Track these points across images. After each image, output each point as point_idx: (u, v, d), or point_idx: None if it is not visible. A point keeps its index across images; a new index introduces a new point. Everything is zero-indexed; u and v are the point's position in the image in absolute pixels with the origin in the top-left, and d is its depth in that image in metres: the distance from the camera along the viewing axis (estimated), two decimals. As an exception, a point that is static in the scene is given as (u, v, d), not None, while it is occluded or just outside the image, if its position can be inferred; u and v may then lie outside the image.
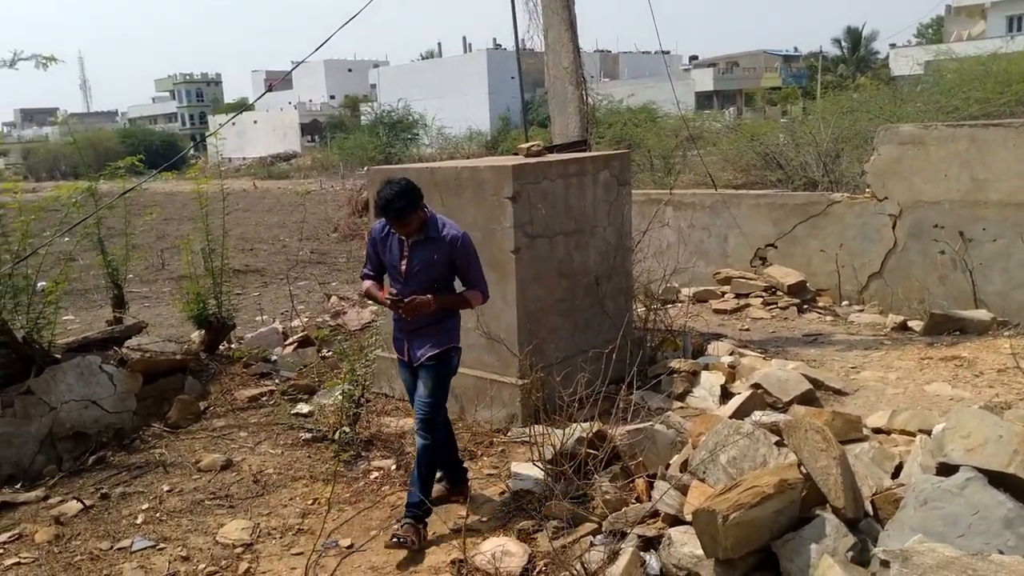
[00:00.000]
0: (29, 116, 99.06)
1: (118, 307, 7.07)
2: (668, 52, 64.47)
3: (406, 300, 3.73)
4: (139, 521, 4.18)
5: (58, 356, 5.50)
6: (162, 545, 3.92)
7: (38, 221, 5.65)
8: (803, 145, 14.48)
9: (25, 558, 3.86)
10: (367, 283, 4.06)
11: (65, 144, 47.56)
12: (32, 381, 5.18)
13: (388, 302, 3.84)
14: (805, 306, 8.10)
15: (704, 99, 49.96)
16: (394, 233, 3.85)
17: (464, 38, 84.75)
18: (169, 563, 3.74)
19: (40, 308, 5.47)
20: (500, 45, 55.40)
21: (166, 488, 4.55)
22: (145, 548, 3.89)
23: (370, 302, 6.29)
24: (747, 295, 8.33)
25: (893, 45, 44.61)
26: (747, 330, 7.41)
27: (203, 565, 3.72)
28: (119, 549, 3.87)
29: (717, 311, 8.12)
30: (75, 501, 4.40)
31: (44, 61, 5.17)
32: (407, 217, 3.71)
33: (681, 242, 8.61)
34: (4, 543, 4.01)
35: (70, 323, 8.49)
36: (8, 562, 3.84)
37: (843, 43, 55.78)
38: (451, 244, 3.81)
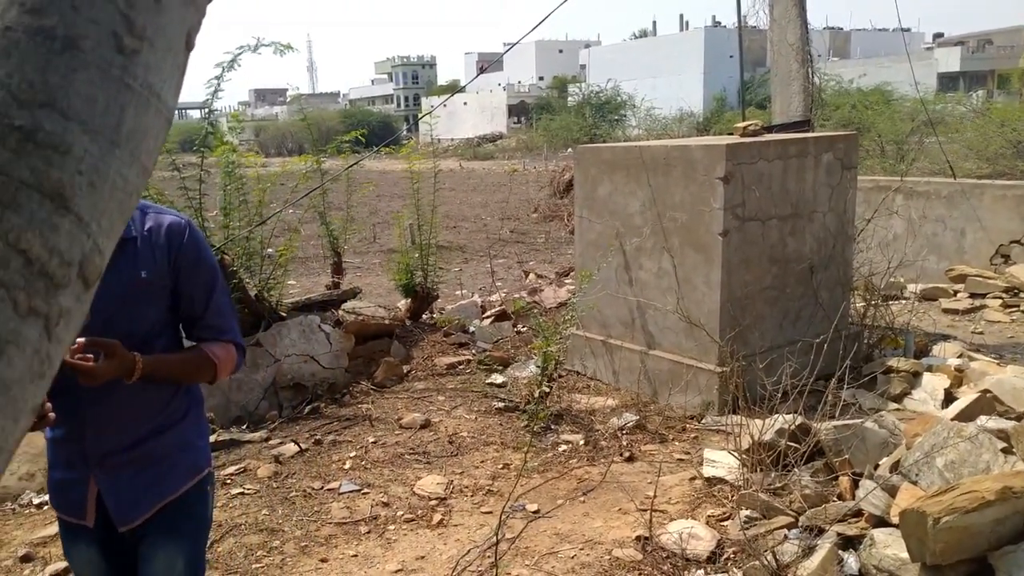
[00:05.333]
0: (262, 96, 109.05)
1: (337, 273, 7.63)
2: (908, 29, 59.16)
3: (77, 360, 1.64)
4: (347, 467, 4.50)
5: (284, 314, 6.00)
6: (366, 490, 4.19)
7: (273, 191, 6.21)
8: (1065, 132, 12.71)
9: (248, 489, 4.28)
10: None
11: (293, 123, 51.12)
12: (261, 335, 5.71)
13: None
14: (1054, 312, 7.12)
15: (948, 81, 45.27)
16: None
17: (681, 16, 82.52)
18: (371, 507, 3.99)
19: (271, 271, 6.02)
20: (719, 23, 53.57)
21: (371, 440, 4.85)
22: (351, 491, 4.18)
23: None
24: (983, 295, 7.46)
25: None
26: (980, 333, 6.64)
27: (401, 512, 3.93)
28: (328, 490, 4.19)
29: (947, 311, 7.34)
30: (292, 444, 4.80)
31: (282, 48, 5.60)
32: None
33: (910, 234, 7.88)
34: (232, 474, 4.47)
35: (291, 287, 9.31)
36: (234, 491, 4.28)
37: None
38: (168, 242, 1.87)
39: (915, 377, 4.99)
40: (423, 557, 3.53)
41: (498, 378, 5.85)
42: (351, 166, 6.69)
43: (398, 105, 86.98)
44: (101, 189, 0.51)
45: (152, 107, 0.54)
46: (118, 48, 0.51)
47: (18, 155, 0.48)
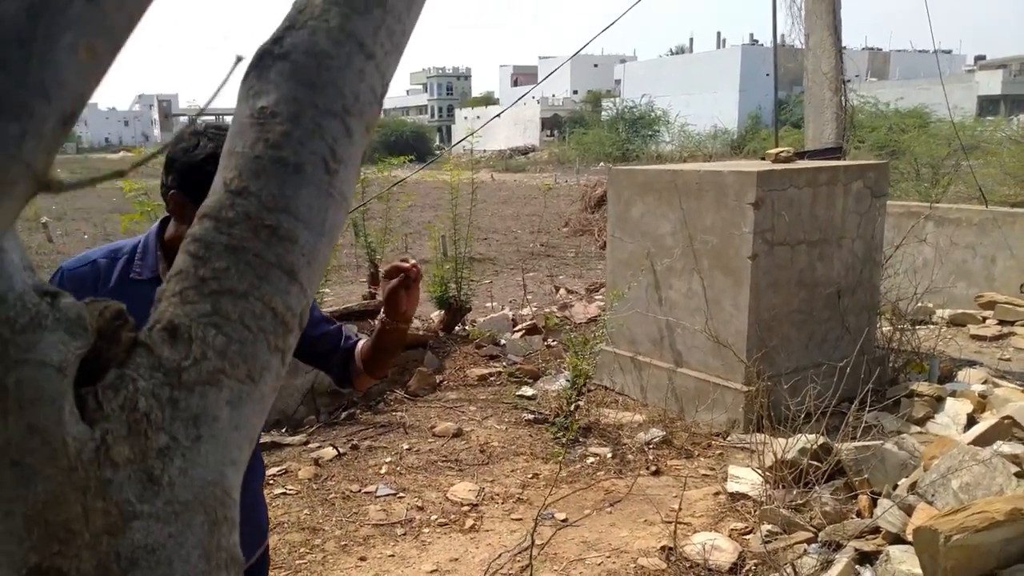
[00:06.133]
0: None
1: (373, 283, 7.85)
2: (949, 51, 58.32)
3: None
4: (383, 471, 4.70)
5: (323, 322, 6.24)
6: (401, 494, 4.39)
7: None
8: (1103, 159, 12.60)
9: (290, 490, 4.50)
10: None
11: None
12: (302, 341, 5.95)
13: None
14: (1084, 341, 7.13)
15: (989, 104, 44.63)
16: (140, 278, 1.69)
17: (719, 33, 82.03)
18: (406, 510, 4.18)
19: (311, 279, 6.24)
20: (757, 41, 53.34)
21: (405, 446, 5.05)
22: (387, 495, 4.38)
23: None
24: (1012, 323, 7.49)
25: None
26: (1008, 360, 6.69)
27: (435, 516, 4.13)
28: (366, 492, 4.39)
29: (975, 337, 7.39)
30: (331, 448, 5.01)
31: None
32: None
33: (939, 260, 7.92)
34: (274, 476, 4.69)
35: (326, 295, 9.55)
36: (276, 491, 4.49)
37: None
38: None
39: (938, 402, 5.07)
40: (456, 559, 3.71)
41: (528, 391, 6.02)
42: (397, 183, 6.92)
43: (432, 116, 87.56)
44: (313, 265, 0.77)
45: (343, 207, 0.80)
46: (326, 170, 0.76)
47: (268, 245, 0.73)
